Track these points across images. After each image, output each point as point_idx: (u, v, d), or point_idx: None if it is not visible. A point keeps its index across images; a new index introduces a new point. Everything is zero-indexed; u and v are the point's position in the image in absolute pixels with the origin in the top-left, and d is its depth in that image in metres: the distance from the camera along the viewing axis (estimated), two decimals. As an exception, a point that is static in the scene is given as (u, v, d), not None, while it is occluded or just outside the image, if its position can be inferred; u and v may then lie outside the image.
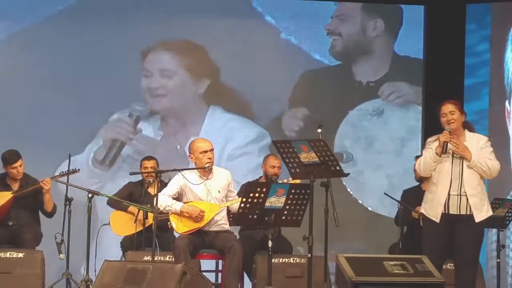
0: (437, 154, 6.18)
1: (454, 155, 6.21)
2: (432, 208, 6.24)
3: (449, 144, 6.16)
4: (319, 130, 6.39)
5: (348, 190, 9.68)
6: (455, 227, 6.18)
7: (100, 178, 9.34)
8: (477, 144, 6.24)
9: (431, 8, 9.86)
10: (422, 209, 6.39)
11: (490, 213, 6.31)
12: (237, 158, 9.58)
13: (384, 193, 8.19)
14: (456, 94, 9.52)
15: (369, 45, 9.91)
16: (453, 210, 6.18)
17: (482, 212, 6.21)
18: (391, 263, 5.92)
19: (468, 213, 6.17)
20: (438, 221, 6.19)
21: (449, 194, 6.18)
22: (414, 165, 7.26)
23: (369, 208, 9.68)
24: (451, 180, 6.18)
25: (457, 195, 6.18)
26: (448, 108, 6.25)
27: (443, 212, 6.18)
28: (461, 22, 9.76)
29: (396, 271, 5.86)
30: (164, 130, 9.59)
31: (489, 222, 7.91)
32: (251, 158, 9.52)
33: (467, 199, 6.17)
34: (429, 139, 6.36)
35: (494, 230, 8.21)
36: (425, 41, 9.89)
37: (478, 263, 6.48)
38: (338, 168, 6.21)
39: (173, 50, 9.59)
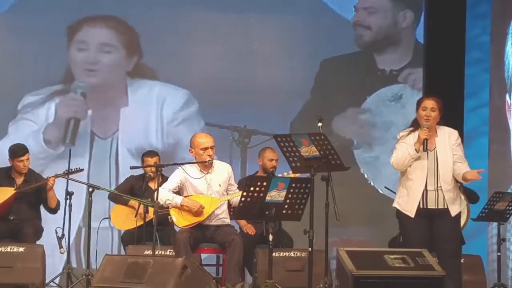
0: (416, 150, 6.18)
1: (429, 150, 6.22)
2: (407, 203, 6.25)
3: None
4: (320, 124, 6.37)
5: (365, 176, 9.68)
6: (433, 220, 6.22)
7: (48, 160, 9.23)
8: (448, 139, 6.27)
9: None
10: (396, 204, 6.36)
11: (464, 203, 6.38)
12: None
13: (385, 187, 8.19)
14: (456, 82, 9.60)
15: (399, 35, 9.91)
16: (431, 205, 6.21)
17: (456, 205, 6.26)
18: (392, 256, 5.92)
19: (445, 207, 6.22)
20: (413, 216, 6.21)
21: (426, 190, 6.20)
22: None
23: (385, 194, 9.68)
24: (426, 176, 6.20)
25: (434, 190, 6.21)
26: (430, 104, 6.26)
27: (422, 206, 6.20)
28: (462, 13, 9.76)
29: (397, 265, 5.86)
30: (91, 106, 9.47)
31: (490, 216, 8.00)
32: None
33: (444, 194, 6.20)
34: (401, 133, 6.36)
35: (495, 224, 8.21)
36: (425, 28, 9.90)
37: (460, 252, 6.58)
38: (338, 162, 6.20)
39: (106, 26, 9.49)
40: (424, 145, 6.16)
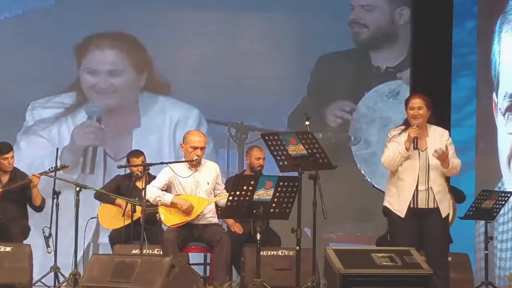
0: (406, 149, 6.18)
1: (420, 150, 6.23)
2: (398, 203, 6.25)
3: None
4: (307, 123, 6.38)
5: (362, 172, 9.70)
6: (422, 219, 6.23)
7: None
8: (440, 138, 6.28)
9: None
10: (386, 203, 6.36)
11: (451, 206, 6.41)
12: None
13: (373, 186, 8.20)
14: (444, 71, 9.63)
15: (396, 33, 9.92)
16: (421, 205, 6.22)
17: (446, 207, 6.28)
18: (379, 255, 5.94)
19: (435, 206, 6.23)
20: (403, 216, 6.21)
21: (417, 190, 6.21)
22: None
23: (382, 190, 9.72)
24: (418, 176, 6.21)
25: (425, 190, 6.22)
26: (417, 103, 6.26)
27: (412, 206, 6.21)
28: (448, 14, 9.78)
29: (384, 263, 5.87)
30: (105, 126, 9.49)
31: (477, 214, 8.02)
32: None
33: (434, 194, 6.21)
34: (393, 132, 6.35)
35: (482, 222, 8.24)
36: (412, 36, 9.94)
37: (448, 251, 6.63)
38: (326, 160, 6.21)
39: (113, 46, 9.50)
40: (414, 144, 6.16)
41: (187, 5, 9.57)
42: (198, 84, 9.55)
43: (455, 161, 6.27)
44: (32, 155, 9.00)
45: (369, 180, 9.60)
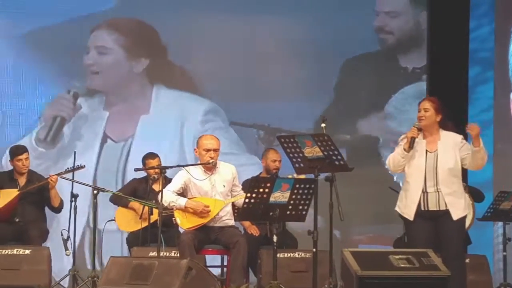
0: (404, 149, 6.17)
1: (429, 152, 6.21)
2: (406, 206, 6.23)
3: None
4: (323, 125, 6.38)
5: (390, 173, 9.69)
6: (436, 221, 6.19)
7: (45, 159, 9.22)
8: (453, 140, 6.24)
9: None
10: (396, 207, 6.34)
11: (469, 209, 6.36)
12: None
13: (389, 187, 8.19)
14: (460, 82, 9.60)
15: (421, 36, 9.89)
16: (432, 207, 6.18)
17: (459, 210, 6.19)
18: (397, 257, 5.91)
19: (446, 208, 6.17)
20: (411, 219, 6.18)
21: (426, 192, 6.17)
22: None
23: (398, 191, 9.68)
24: (425, 177, 6.18)
25: (434, 191, 6.17)
26: (424, 105, 6.28)
27: (423, 209, 6.17)
28: (465, 15, 9.75)
29: (402, 265, 5.85)
30: (109, 108, 9.46)
31: (495, 215, 7.99)
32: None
33: (443, 196, 6.17)
34: (402, 136, 6.34)
35: (500, 223, 8.20)
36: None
37: (465, 253, 6.58)
38: (342, 162, 6.21)
39: (117, 29, 9.48)
40: (411, 144, 6.15)
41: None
42: (221, 85, 9.56)
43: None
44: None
45: (399, 181, 9.59)
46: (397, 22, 9.87)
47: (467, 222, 6.85)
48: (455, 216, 6.17)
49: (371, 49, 9.80)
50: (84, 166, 7.74)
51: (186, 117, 9.52)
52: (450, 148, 6.21)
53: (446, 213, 6.18)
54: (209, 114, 9.55)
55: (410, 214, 6.20)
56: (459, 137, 6.29)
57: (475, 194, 8.01)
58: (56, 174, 7.66)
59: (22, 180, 7.79)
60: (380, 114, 9.80)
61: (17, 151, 7.80)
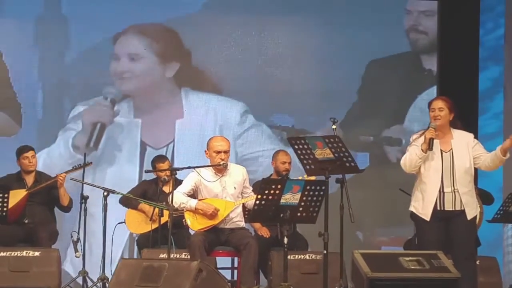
0: (422, 150, 6.16)
1: (444, 151, 6.20)
2: (423, 206, 6.21)
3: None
4: (334, 126, 6.38)
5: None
6: (449, 222, 6.19)
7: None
8: (466, 141, 6.24)
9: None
10: (411, 207, 6.33)
11: (479, 209, 6.37)
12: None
13: (399, 189, 8.17)
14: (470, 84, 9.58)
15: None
16: (448, 207, 6.18)
17: (473, 209, 6.22)
18: (407, 258, 5.91)
19: (462, 208, 6.18)
20: (428, 219, 6.18)
21: (443, 192, 6.17)
22: None
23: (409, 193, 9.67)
24: (442, 178, 6.18)
25: (451, 191, 6.17)
26: (437, 104, 6.27)
27: (439, 208, 6.17)
28: (475, 14, 9.74)
29: (412, 267, 5.85)
30: (140, 115, 9.46)
31: (505, 217, 7.97)
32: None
33: (460, 196, 6.17)
34: (414, 136, 6.34)
35: (510, 225, 8.20)
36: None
37: (476, 254, 6.58)
38: (353, 164, 6.21)
39: (143, 34, 9.49)
40: (430, 145, 6.14)
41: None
42: (245, 87, 9.60)
43: (486, 154, 6.22)
44: (60, 145, 9.06)
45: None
46: (433, 21, 9.80)
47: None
48: (470, 215, 6.18)
49: (396, 51, 9.78)
50: (91, 163, 7.74)
51: (222, 119, 9.54)
52: (464, 147, 6.21)
53: (461, 213, 6.18)
54: (244, 115, 9.57)
55: (427, 215, 6.19)
56: (471, 136, 6.30)
57: (484, 197, 8.00)
58: (63, 173, 7.67)
59: (29, 180, 7.79)
60: (403, 117, 9.77)
61: (23, 149, 7.80)
